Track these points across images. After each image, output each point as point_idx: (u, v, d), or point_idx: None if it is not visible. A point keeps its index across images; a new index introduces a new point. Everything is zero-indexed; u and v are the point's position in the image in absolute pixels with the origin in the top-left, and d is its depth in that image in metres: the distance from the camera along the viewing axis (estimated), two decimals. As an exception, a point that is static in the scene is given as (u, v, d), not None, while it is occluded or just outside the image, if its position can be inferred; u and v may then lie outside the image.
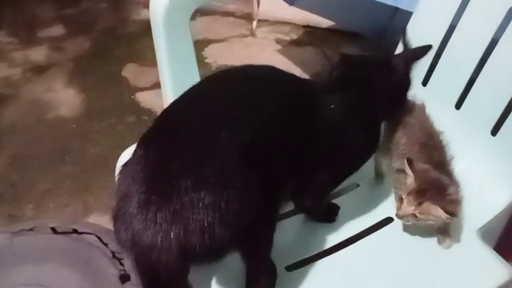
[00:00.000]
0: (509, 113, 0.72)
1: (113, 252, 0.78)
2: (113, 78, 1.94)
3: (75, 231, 0.84)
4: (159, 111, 1.85)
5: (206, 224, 0.46)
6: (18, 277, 0.75)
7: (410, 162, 0.65)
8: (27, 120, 1.75)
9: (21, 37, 2.23)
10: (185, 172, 0.48)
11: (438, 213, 0.62)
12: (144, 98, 1.82)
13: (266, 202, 0.52)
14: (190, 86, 0.61)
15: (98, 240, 0.81)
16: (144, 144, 0.53)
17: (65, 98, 1.86)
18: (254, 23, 2.13)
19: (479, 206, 0.71)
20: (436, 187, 0.64)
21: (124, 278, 0.75)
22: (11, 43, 2.20)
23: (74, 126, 1.72)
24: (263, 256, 0.58)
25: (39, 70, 2.02)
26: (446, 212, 0.62)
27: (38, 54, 2.13)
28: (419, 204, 0.63)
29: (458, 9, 0.80)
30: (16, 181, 1.51)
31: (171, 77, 0.80)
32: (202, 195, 0.47)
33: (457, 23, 0.81)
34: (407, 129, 0.71)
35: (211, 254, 0.50)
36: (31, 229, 0.82)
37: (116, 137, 1.65)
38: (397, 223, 0.71)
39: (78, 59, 2.07)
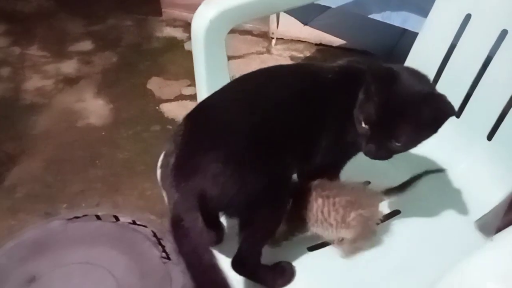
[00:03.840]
0: (502, 121, 0.83)
1: (155, 236, 0.89)
2: (138, 90, 2.07)
3: (116, 218, 0.95)
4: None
5: (218, 177, 0.59)
6: (73, 257, 0.86)
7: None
8: (60, 128, 1.87)
9: (52, 51, 2.38)
10: (210, 138, 0.62)
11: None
12: (168, 109, 1.94)
13: (271, 179, 0.62)
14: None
15: (140, 226, 0.92)
16: (187, 118, 0.68)
17: (94, 107, 1.99)
18: (274, 41, 2.27)
19: (476, 202, 0.81)
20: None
21: (166, 258, 0.85)
22: (44, 57, 2.35)
23: (103, 133, 1.83)
24: (253, 240, 0.66)
25: (70, 81, 2.15)
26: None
27: (69, 67, 2.27)
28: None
29: (458, 30, 0.91)
30: (51, 182, 1.62)
31: (207, 88, 0.92)
32: (220, 156, 0.60)
33: (457, 42, 0.91)
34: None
35: (223, 205, 0.61)
36: (82, 217, 0.94)
37: (142, 144, 1.77)
38: (404, 216, 0.81)
39: (106, 72, 2.20)
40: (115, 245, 0.87)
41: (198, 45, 0.88)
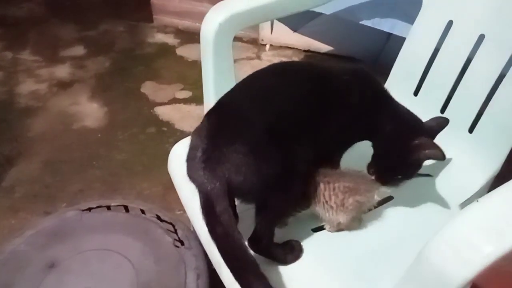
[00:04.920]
0: (481, 116, 0.93)
1: (167, 224, 0.95)
2: (133, 93, 2.11)
3: (126, 209, 1.01)
4: (177, 124, 2.04)
5: (241, 167, 0.66)
6: (89, 244, 0.90)
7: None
8: (56, 130, 1.90)
9: (45, 56, 2.41)
10: (231, 132, 0.69)
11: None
12: (163, 112, 1.99)
13: (284, 167, 0.70)
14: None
15: (153, 216, 0.98)
16: (208, 115, 0.75)
17: (89, 110, 2.02)
18: (267, 46, 2.36)
19: (461, 187, 0.89)
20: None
21: (178, 244, 0.91)
22: (36, 61, 2.37)
23: (99, 135, 1.87)
24: (268, 222, 0.73)
25: (63, 85, 2.18)
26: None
27: (62, 71, 2.30)
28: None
29: (442, 35, 1.00)
30: (49, 182, 1.65)
31: (215, 89, 0.99)
32: (240, 148, 0.67)
33: (440, 46, 1.01)
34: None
35: (244, 191, 0.68)
36: (96, 207, 0.99)
37: (139, 145, 1.81)
38: (396, 200, 0.90)
39: (99, 77, 2.25)
40: (129, 232, 0.92)
41: (207, 48, 0.95)
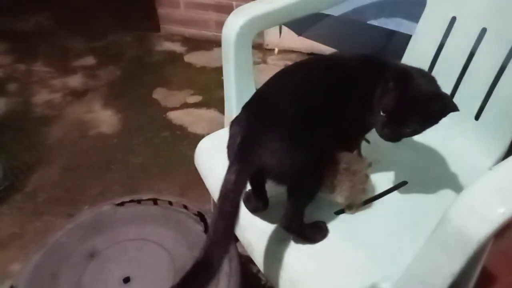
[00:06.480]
0: (486, 104, 1.00)
1: (195, 215, 1.02)
2: (145, 100, 2.19)
3: (154, 201, 1.07)
4: (189, 127, 2.11)
5: (276, 151, 0.73)
6: (126, 235, 0.96)
7: None
8: (73, 137, 1.97)
9: (57, 67, 2.49)
10: (268, 122, 0.76)
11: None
12: (175, 117, 2.07)
13: (314, 153, 0.76)
14: (250, 92, 0.88)
15: (181, 207, 1.04)
16: (245, 107, 0.82)
17: (104, 117, 2.09)
18: (276, 50, 2.45)
19: (468, 171, 0.96)
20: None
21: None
22: (49, 72, 2.45)
23: (115, 140, 1.94)
24: (299, 202, 0.80)
25: (77, 94, 2.26)
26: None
27: (75, 81, 2.37)
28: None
29: (446, 31, 1.08)
30: (70, 187, 1.72)
31: (236, 87, 1.06)
32: (277, 135, 0.73)
33: (445, 41, 1.08)
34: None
35: (278, 173, 0.75)
36: (129, 201, 1.05)
37: (154, 149, 1.88)
38: (410, 185, 0.96)
39: (111, 85, 2.32)
40: (161, 223, 0.98)
41: (228, 50, 1.02)
